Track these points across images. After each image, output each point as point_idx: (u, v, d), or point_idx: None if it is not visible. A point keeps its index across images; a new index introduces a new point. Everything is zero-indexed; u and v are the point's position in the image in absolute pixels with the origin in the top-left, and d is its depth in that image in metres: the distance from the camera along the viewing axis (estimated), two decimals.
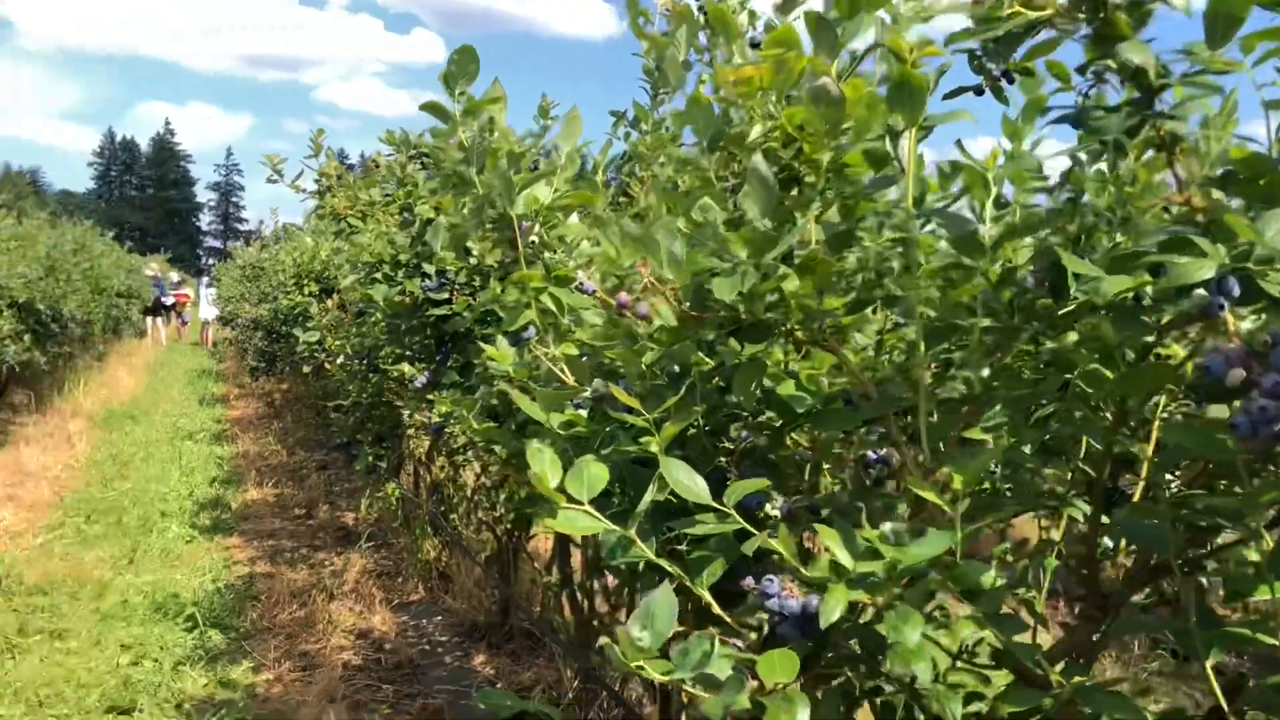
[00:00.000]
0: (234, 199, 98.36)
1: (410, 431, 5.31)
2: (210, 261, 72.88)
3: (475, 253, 2.43)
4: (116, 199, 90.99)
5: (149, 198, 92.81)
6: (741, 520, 1.12)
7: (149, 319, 24.63)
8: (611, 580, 3.69)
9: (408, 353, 3.89)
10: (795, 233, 1.17)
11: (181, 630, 4.91)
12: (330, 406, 5.56)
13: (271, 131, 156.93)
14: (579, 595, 3.92)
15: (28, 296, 8.73)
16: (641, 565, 1.32)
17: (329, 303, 5.40)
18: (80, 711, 4.03)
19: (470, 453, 3.67)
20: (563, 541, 4.06)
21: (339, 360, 4.29)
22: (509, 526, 4.70)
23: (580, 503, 1.15)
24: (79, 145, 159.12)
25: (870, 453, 1.40)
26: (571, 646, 4.00)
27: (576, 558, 4.01)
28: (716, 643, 0.97)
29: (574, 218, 2.10)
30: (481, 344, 2.98)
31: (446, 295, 3.05)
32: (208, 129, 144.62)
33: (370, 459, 4.46)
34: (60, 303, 10.27)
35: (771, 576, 1.10)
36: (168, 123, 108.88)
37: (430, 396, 3.05)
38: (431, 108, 1.63)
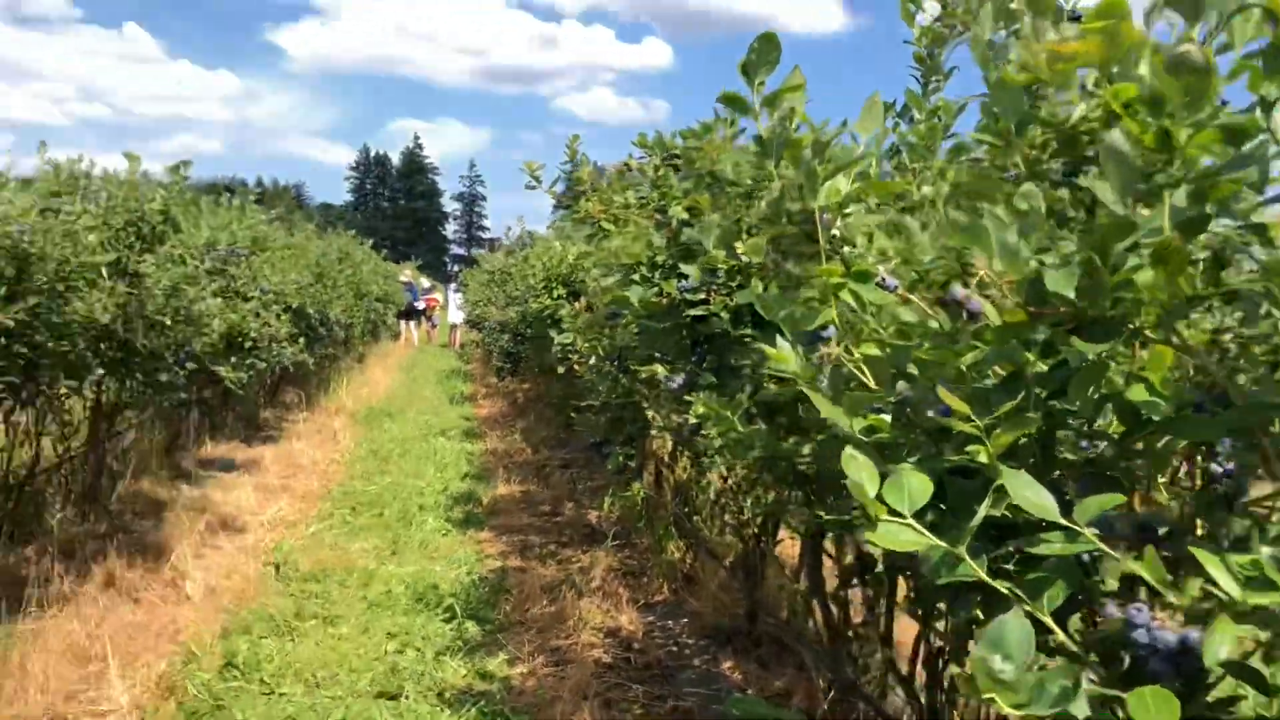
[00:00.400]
0: (476, 209, 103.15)
1: (654, 432, 5.33)
2: (456, 268, 76.63)
3: (742, 251, 2.38)
4: (370, 210, 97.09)
5: (400, 208, 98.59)
6: (1095, 540, 1.01)
7: (402, 322, 26.16)
8: (867, 590, 3.56)
9: (656, 354, 3.89)
10: (1152, 219, 1.04)
11: (441, 621, 5.11)
12: (580, 406, 5.67)
13: (510, 143, 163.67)
14: (831, 604, 3.81)
15: (299, 302, 9.39)
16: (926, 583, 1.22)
17: (577, 305, 5.51)
18: (353, 695, 4.25)
19: (718, 455, 3.62)
20: (813, 548, 3.95)
21: (590, 361, 4.35)
22: (755, 531, 4.64)
23: (901, 515, 1.07)
24: (336, 160, 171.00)
25: (1216, 465, 1.25)
26: (824, 655, 3.89)
27: (827, 564, 3.91)
28: (1081, 678, 0.86)
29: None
30: (749, 344, 2.93)
31: (703, 295, 3.02)
32: (453, 142, 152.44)
33: (621, 459, 4.51)
34: (327, 307, 11.01)
35: (1140, 604, 0.98)
36: (416, 137, 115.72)
37: (687, 397, 3.03)
38: (728, 100, 1.59)
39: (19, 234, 3.90)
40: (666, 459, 5.70)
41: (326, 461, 9.48)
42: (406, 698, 4.22)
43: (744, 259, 2.44)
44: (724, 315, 2.99)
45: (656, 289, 3.16)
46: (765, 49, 1.52)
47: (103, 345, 4.82)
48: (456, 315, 26.10)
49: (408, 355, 23.51)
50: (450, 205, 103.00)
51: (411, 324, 26.97)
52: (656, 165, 3.80)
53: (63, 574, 5.10)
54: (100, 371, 4.89)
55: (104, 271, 4.50)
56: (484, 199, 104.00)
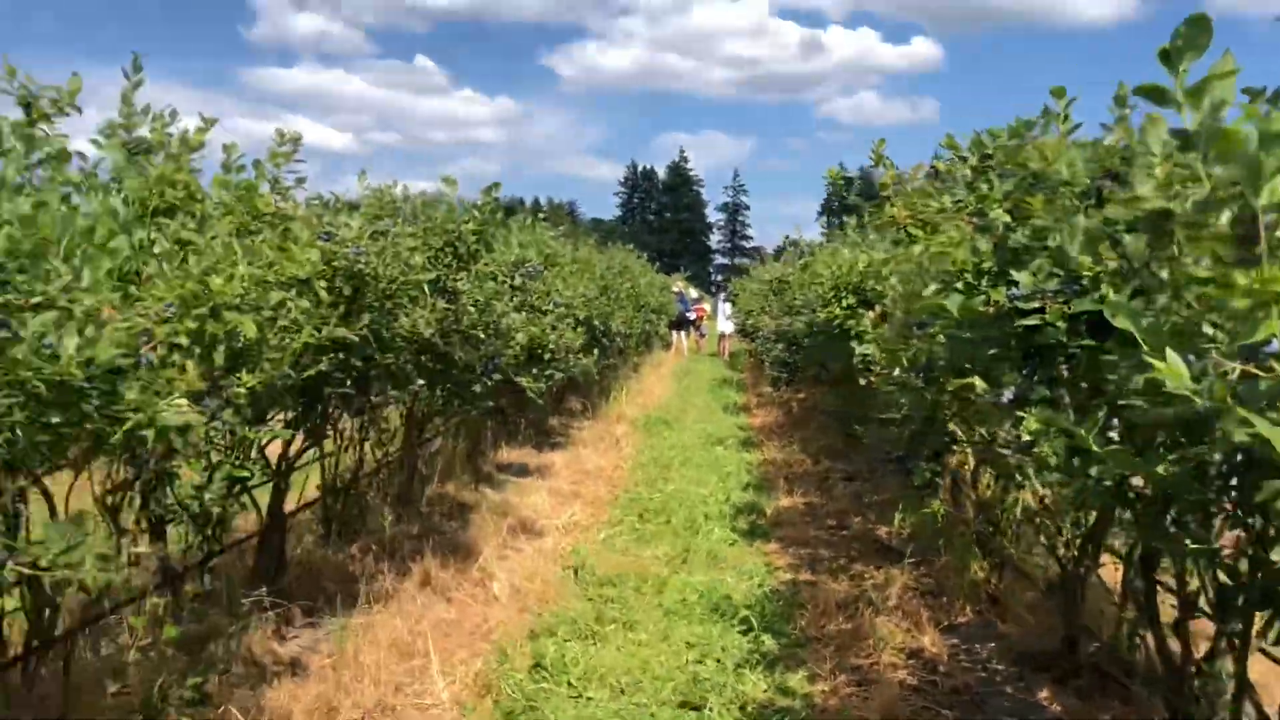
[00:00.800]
0: (740, 218, 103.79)
1: (955, 447, 5.10)
2: (720, 277, 77.29)
3: (1119, 253, 2.21)
4: (637, 223, 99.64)
5: (665, 221, 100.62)
6: None
7: (674, 332, 26.67)
8: (1223, 624, 3.24)
9: (968, 365, 3.71)
10: None
11: (737, 632, 5.09)
12: (868, 418, 5.51)
13: (773, 152, 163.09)
14: (1167, 635, 3.50)
15: (586, 314, 9.71)
16: None
17: (870, 315, 5.36)
18: (657, 703, 4.29)
19: (1053, 474, 3.40)
20: (1146, 574, 3.65)
21: (894, 373, 4.22)
22: (1075, 553, 4.35)
23: None
24: (604, 176, 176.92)
25: None
26: (1161, 689, 3.58)
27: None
28: None
29: None
30: (1091, 355, 2.73)
31: (1037, 304, 2.84)
32: (716, 153, 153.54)
33: (927, 475, 4.34)
34: (609, 319, 11.34)
35: None
36: (682, 151, 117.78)
37: (1019, 413, 2.85)
38: (1147, 91, 1.46)
39: (355, 255, 4.21)
40: (968, 475, 5.45)
41: (611, 468, 9.73)
42: (710, 710, 4.22)
43: (1120, 261, 2.26)
44: (1060, 325, 2.80)
45: (983, 297, 3.00)
46: (1193, 33, 1.37)
47: (423, 358, 5.13)
48: (726, 325, 26.37)
49: (678, 364, 23.91)
50: (714, 216, 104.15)
51: (682, 333, 27.45)
52: (974, 166, 3.63)
53: (385, 572, 5.45)
54: (420, 382, 5.20)
55: (425, 289, 4.80)
56: (747, 208, 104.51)
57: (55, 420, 2.07)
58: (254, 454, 4.50)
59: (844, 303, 6.82)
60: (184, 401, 2.20)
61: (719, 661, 4.72)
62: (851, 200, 4.66)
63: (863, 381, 4.69)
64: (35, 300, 2.09)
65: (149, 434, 2.13)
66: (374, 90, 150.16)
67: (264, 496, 5.05)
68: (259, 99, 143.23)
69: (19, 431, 2.09)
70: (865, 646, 4.87)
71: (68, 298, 2.15)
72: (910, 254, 4.17)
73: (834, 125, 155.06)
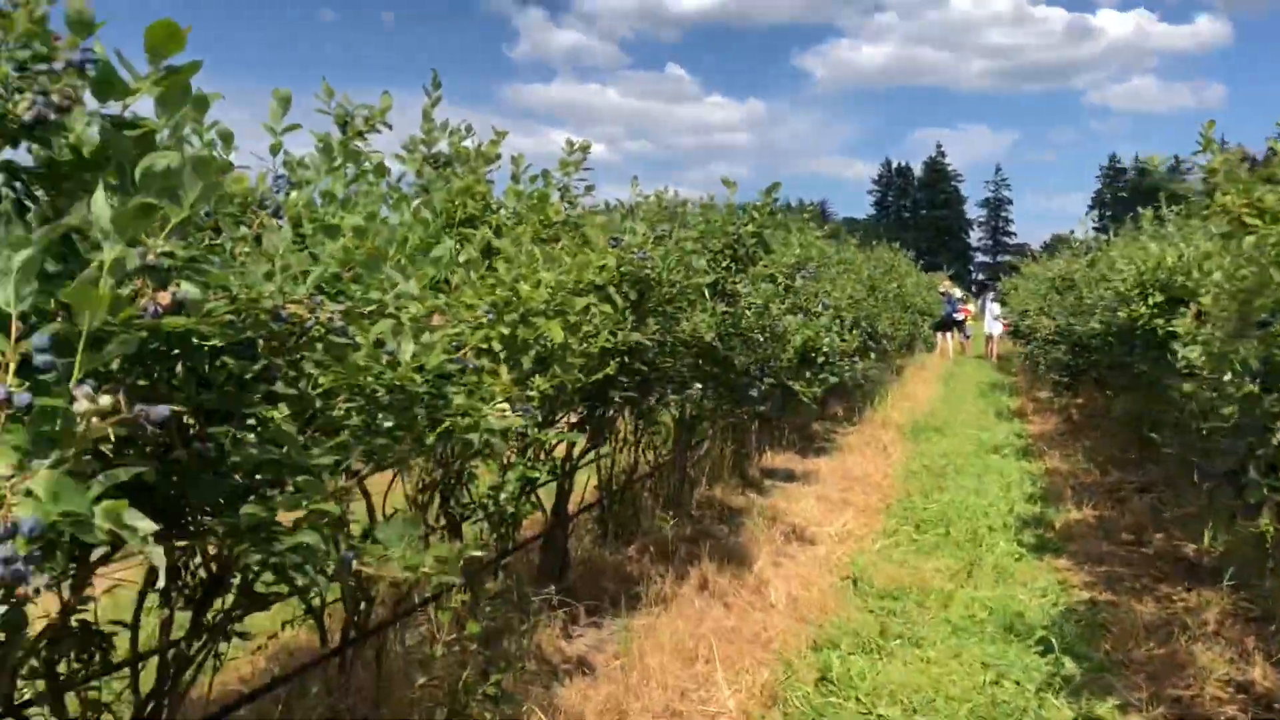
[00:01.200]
0: (1002, 214, 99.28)
1: None
2: (981, 276, 74.15)
3: None
4: (891, 221, 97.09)
5: (921, 218, 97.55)
6: None
7: (938, 334, 25.76)
8: None
9: None
10: None
11: (1034, 653, 4.78)
12: (1183, 426, 5.03)
13: (1037, 143, 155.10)
14: None
15: (853, 315, 9.46)
16: None
17: (1188, 314, 4.90)
18: None
19: None
20: None
21: (1226, 377, 3.81)
22: None
23: None
24: (857, 175, 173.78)
25: None
26: None
27: None
28: None
29: None
30: None
31: None
32: (975, 147, 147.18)
33: (1264, 491, 3.89)
34: (876, 320, 11.03)
35: None
36: (939, 146, 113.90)
37: None
38: None
39: (641, 259, 4.22)
40: None
41: (880, 475, 9.43)
42: None
43: None
44: None
45: None
46: None
47: (700, 361, 5.10)
48: (994, 326, 25.21)
49: (944, 367, 23.06)
50: (973, 212, 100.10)
51: (947, 335, 26.48)
52: None
53: (662, 574, 5.46)
54: (698, 386, 5.18)
55: (705, 292, 4.76)
56: (1010, 203, 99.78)
57: (388, 424, 2.14)
58: (543, 455, 4.60)
59: (1150, 300, 6.28)
60: (506, 405, 2.23)
61: (1018, 684, 4.43)
62: (1173, 189, 4.24)
63: (1187, 387, 4.26)
64: (370, 308, 2.16)
65: (474, 437, 2.17)
66: (626, 100, 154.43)
67: (546, 497, 5.17)
68: (521, 114, 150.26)
69: (352, 435, 2.16)
70: (1183, 676, 4.46)
71: (397, 305, 2.22)
72: (1244, 246, 3.76)
73: (1105, 113, 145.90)
